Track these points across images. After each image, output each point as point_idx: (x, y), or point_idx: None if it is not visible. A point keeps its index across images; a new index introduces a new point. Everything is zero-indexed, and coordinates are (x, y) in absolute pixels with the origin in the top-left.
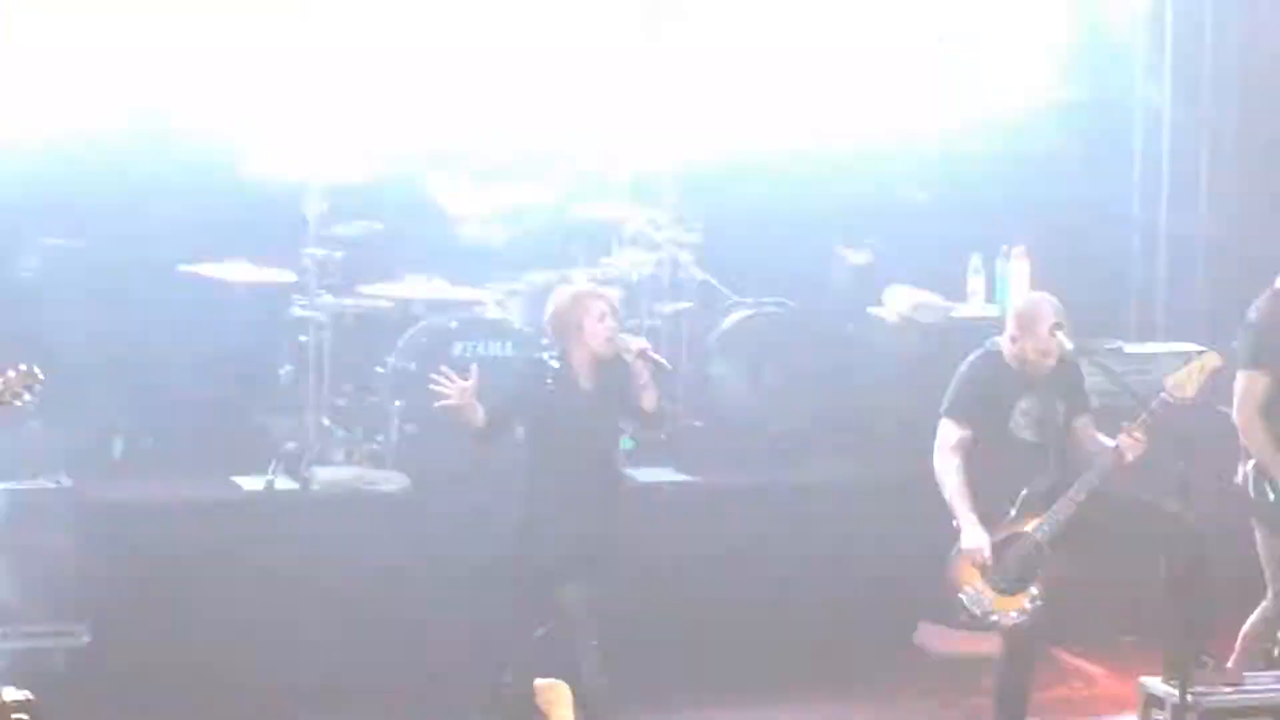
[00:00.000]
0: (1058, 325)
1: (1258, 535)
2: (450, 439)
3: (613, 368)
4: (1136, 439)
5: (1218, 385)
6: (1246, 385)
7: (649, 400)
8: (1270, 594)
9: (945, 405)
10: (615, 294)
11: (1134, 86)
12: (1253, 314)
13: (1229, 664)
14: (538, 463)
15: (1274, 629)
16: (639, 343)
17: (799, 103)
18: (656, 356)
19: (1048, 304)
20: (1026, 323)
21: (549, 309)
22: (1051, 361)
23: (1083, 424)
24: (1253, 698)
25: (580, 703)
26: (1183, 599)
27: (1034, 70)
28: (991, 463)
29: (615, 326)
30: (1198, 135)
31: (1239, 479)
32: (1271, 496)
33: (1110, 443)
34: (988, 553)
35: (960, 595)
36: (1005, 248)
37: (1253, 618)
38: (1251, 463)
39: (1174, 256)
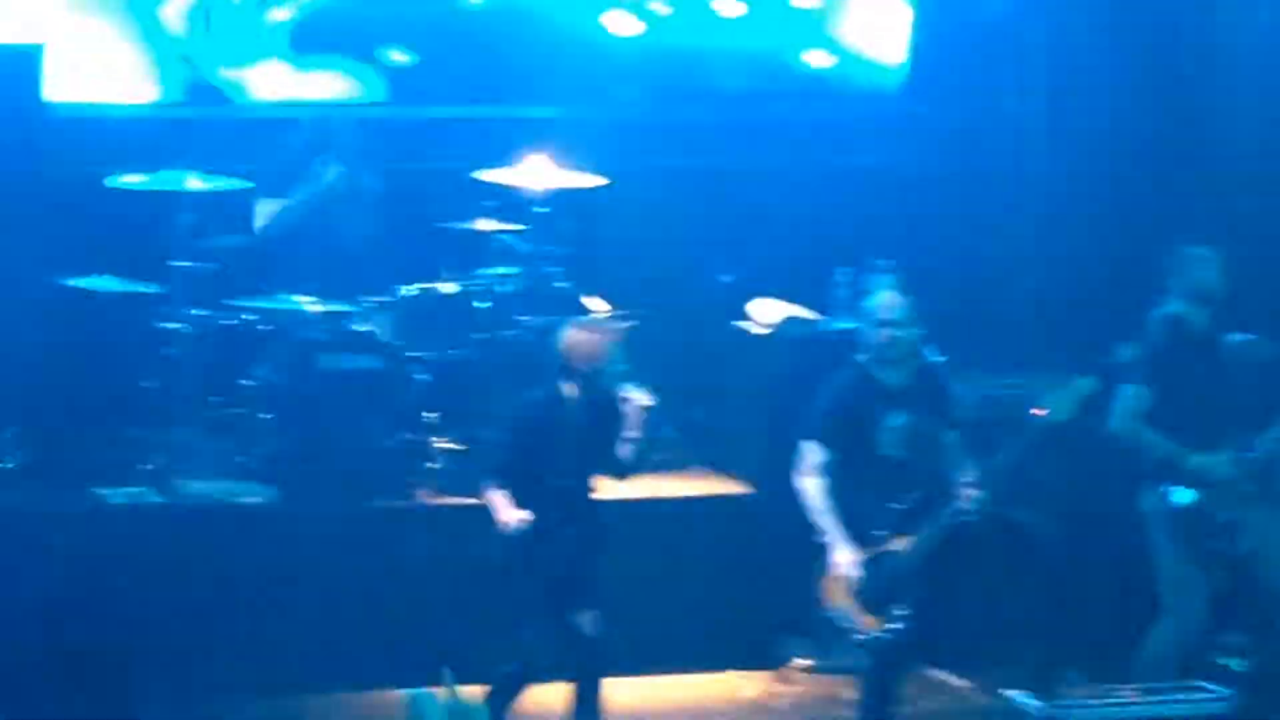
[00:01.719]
0: (921, 337)
1: (1158, 549)
2: (315, 451)
3: (602, 407)
4: (1002, 463)
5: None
6: (1132, 399)
7: (628, 452)
8: (1166, 614)
9: (808, 428)
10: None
11: (1006, 102)
12: (1143, 335)
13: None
14: (524, 489)
15: (1175, 652)
16: (641, 398)
17: (665, 119)
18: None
19: (908, 313)
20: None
21: (567, 339)
22: (912, 361)
23: (948, 440)
24: (1116, 711)
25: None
26: (1047, 613)
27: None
28: (860, 481)
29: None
30: (1073, 150)
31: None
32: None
33: (971, 464)
34: (857, 573)
35: (830, 613)
36: (873, 261)
37: (1154, 628)
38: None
39: (1048, 273)
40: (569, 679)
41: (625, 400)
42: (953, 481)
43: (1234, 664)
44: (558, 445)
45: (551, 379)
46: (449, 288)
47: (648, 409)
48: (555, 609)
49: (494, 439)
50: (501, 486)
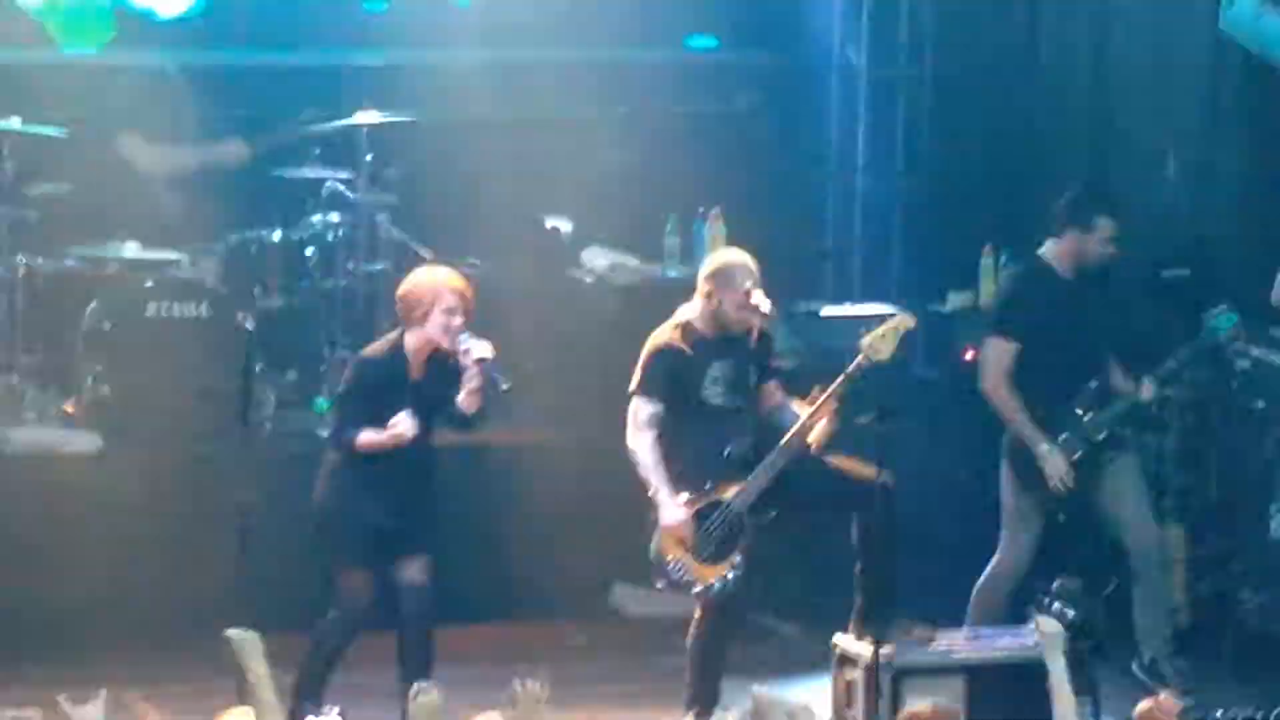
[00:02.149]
0: (755, 283)
1: (1006, 496)
2: (144, 400)
3: (445, 361)
4: (827, 407)
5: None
6: (994, 353)
7: (470, 404)
8: (1000, 551)
9: (634, 384)
10: (470, 290)
11: (832, 49)
12: (1006, 284)
13: (968, 621)
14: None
15: (1003, 585)
16: (482, 349)
17: (494, 65)
18: (495, 373)
19: (743, 260)
20: (723, 279)
21: (406, 287)
22: (750, 320)
23: (772, 387)
24: (944, 656)
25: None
26: (876, 559)
27: (732, 32)
28: (686, 432)
29: (461, 324)
30: (894, 97)
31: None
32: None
33: (800, 409)
34: (688, 527)
35: (663, 566)
36: (702, 209)
37: (983, 577)
38: (1010, 433)
39: (870, 218)
40: (398, 628)
41: (465, 351)
42: (780, 427)
43: (1063, 606)
44: (399, 397)
45: (390, 330)
46: (276, 235)
47: (487, 360)
48: (384, 558)
49: (338, 392)
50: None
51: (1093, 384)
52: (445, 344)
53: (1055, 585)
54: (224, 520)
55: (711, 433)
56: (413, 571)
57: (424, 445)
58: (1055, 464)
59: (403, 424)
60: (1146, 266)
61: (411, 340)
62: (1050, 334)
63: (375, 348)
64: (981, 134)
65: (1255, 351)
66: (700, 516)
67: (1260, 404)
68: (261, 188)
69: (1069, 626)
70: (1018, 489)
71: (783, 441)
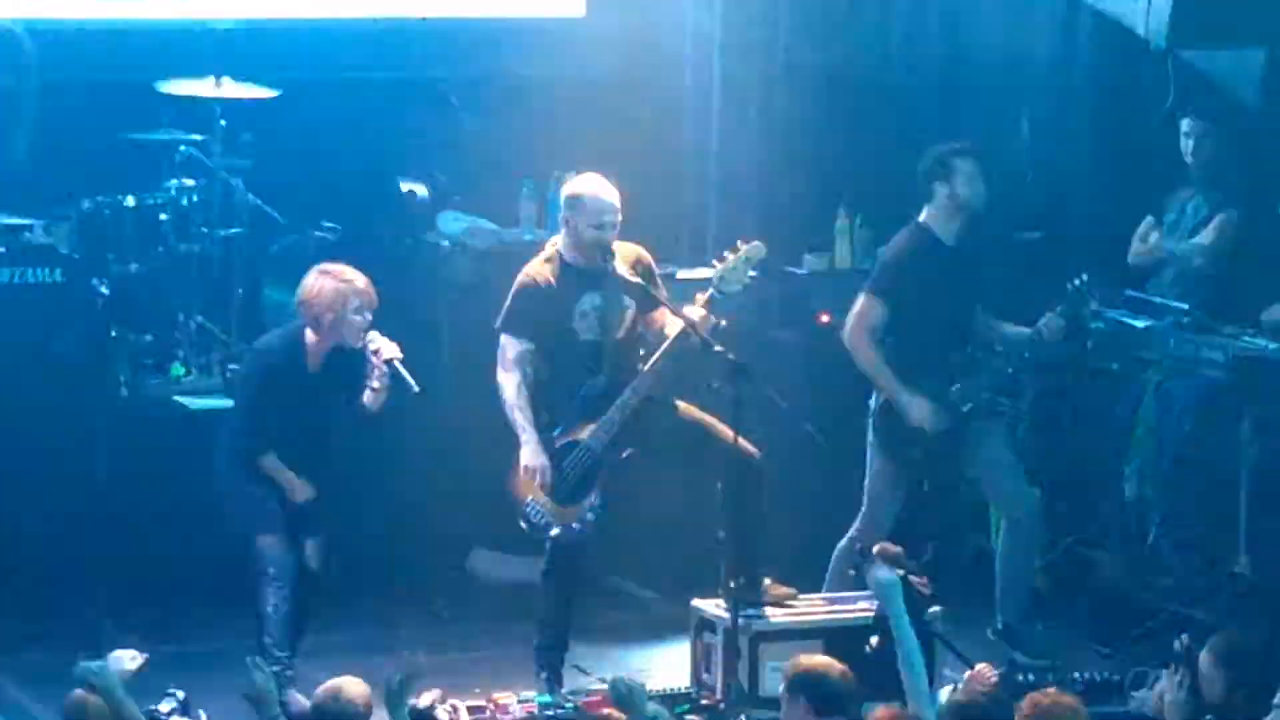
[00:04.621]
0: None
1: (871, 462)
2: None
3: (344, 355)
4: (676, 343)
5: None
6: (863, 309)
7: (375, 401)
8: (861, 517)
9: (501, 320)
10: (372, 288)
11: (686, 15)
12: (891, 247)
13: (826, 585)
14: (261, 430)
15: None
16: (391, 350)
17: (350, 28)
18: (405, 373)
19: (595, 185)
20: (575, 204)
21: (308, 287)
22: (608, 237)
23: (658, 315)
24: (803, 620)
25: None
26: (741, 527)
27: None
28: (554, 368)
29: (367, 322)
30: (747, 64)
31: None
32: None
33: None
34: (548, 469)
35: (522, 508)
36: (556, 174)
37: (842, 541)
38: (880, 396)
39: (725, 181)
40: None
41: (375, 351)
42: (640, 365)
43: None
44: (296, 391)
45: (292, 327)
46: (130, 200)
47: (395, 360)
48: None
49: (236, 384)
50: (261, 450)
51: (962, 351)
52: (355, 344)
53: (875, 550)
54: (80, 482)
55: (582, 368)
56: (306, 556)
57: (321, 437)
58: (919, 411)
59: (300, 491)
60: (1001, 228)
61: (312, 336)
62: (926, 301)
63: (271, 340)
64: (835, 98)
65: (1109, 313)
66: (558, 456)
67: (1114, 366)
68: (115, 152)
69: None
70: (882, 456)
71: (634, 382)
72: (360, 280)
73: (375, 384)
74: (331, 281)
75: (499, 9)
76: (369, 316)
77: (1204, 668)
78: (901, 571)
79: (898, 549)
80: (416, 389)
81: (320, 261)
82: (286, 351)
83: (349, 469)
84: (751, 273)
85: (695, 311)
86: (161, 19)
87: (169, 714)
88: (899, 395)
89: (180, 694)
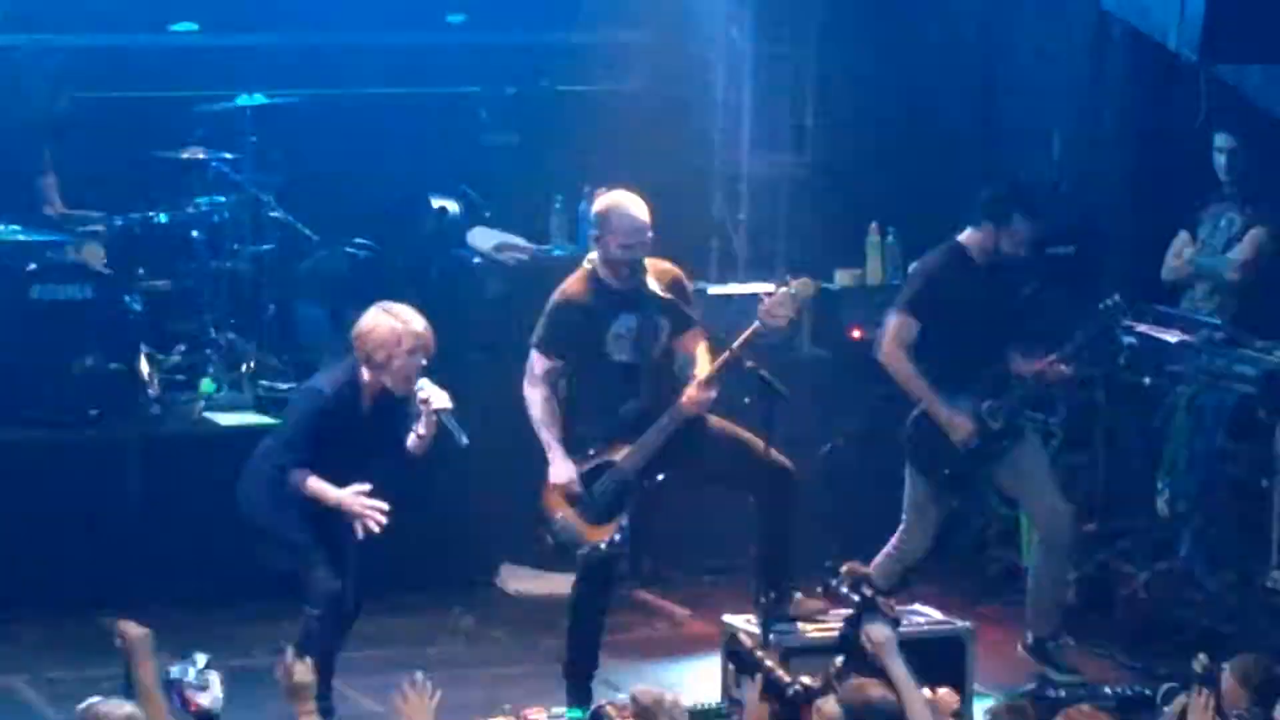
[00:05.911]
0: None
1: (908, 477)
2: (27, 381)
3: (396, 398)
4: (694, 398)
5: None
6: (896, 326)
7: (418, 447)
8: (900, 531)
9: (534, 336)
10: (430, 333)
11: (718, 31)
12: (923, 264)
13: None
14: (306, 463)
15: (896, 566)
16: (441, 400)
17: (380, 46)
18: (453, 424)
19: (625, 202)
20: (603, 222)
21: (365, 323)
22: (639, 254)
23: (690, 336)
24: (833, 634)
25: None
26: (772, 543)
27: (619, 14)
28: (587, 388)
29: (420, 366)
30: (779, 79)
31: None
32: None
33: (699, 370)
34: (576, 484)
35: (549, 522)
36: (587, 189)
37: (879, 556)
38: (919, 409)
39: (755, 197)
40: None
41: (425, 400)
42: (677, 386)
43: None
44: (348, 429)
45: (347, 363)
46: (162, 217)
47: (445, 410)
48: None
49: (292, 424)
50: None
51: (992, 371)
52: (405, 390)
53: (843, 569)
54: (111, 498)
55: (615, 389)
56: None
57: (362, 474)
58: (961, 425)
59: (347, 501)
60: (1030, 244)
61: (367, 376)
62: (958, 319)
63: (331, 381)
64: (868, 112)
65: (1141, 328)
66: (589, 477)
67: (1146, 380)
68: (146, 169)
69: (858, 607)
70: (916, 475)
71: (672, 409)
72: (418, 323)
73: (421, 430)
74: (388, 320)
75: (532, 27)
76: (423, 361)
77: (1225, 686)
78: (870, 592)
79: (866, 569)
80: (465, 441)
81: (352, 278)
82: (342, 388)
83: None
84: (799, 307)
85: (738, 341)
86: (194, 37)
87: (182, 676)
88: (939, 410)
89: (201, 659)
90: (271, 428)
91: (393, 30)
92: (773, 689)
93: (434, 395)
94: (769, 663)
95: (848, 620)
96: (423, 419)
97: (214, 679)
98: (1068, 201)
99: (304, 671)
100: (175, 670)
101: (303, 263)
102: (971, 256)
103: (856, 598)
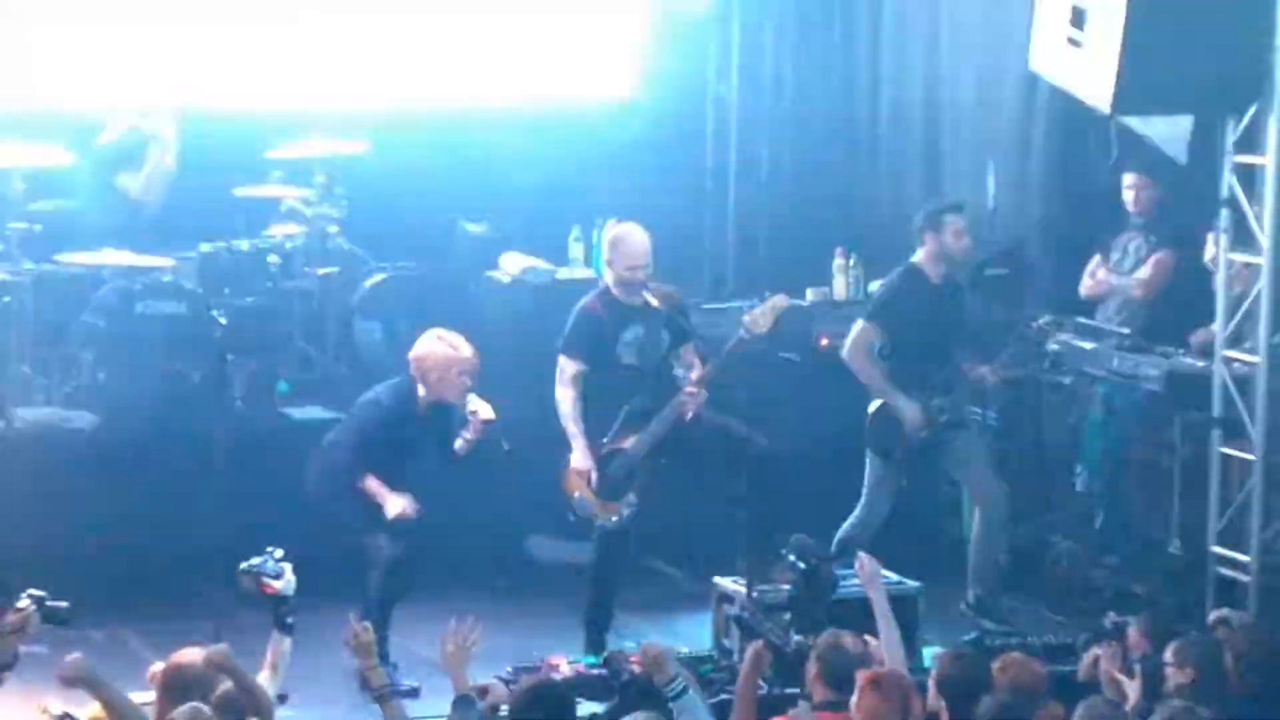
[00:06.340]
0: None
1: (868, 459)
2: (132, 383)
3: (445, 407)
4: (692, 393)
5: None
6: (860, 332)
7: (464, 449)
8: (861, 507)
9: (561, 343)
10: (475, 359)
11: (707, 83)
12: (886, 282)
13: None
14: (366, 462)
15: (860, 534)
16: (488, 413)
17: (434, 112)
18: (502, 439)
19: (629, 231)
20: (612, 248)
21: (422, 348)
22: (640, 276)
23: (687, 348)
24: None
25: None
26: (753, 509)
27: (618, 71)
28: (600, 385)
29: (468, 385)
30: (760, 125)
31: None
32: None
33: (693, 375)
34: (593, 469)
35: (570, 501)
36: (600, 220)
37: (842, 527)
38: (877, 402)
39: (741, 227)
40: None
41: (473, 412)
42: (676, 385)
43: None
44: (406, 433)
45: (403, 379)
46: (244, 244)
47: (491, 421)
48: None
49: (353, 433)
50: (367, 471)
51: (942, 373)
52: (458, 401)
53: (792, 540)
54: (203, 480)
55: (623, 387)
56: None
57: (412, 469)
58: (912, 413)
59: (395, 506)
60: (972, 266)
61: (422, 391)
62: (914, 329)
63: (390, 393)
64: (834, 155)
65: (1063, 336)
66: (603, 462)
67: (1068, 380)
68: (232, 204)
69: (802, 575)
70: (873, 458)
71: (674, 402)
72: (466, 350)
73: (468, 435)
74: (442, 347)
75: (555, 92)
76: (470, 381)
77: (1131, 638)
78: (815, 559)
79: (811, 541)
80: (507, 447)
81: (400, 296)
82: (399, 401)
83: (426, 470)
84: (775, 319)
85: (726, 348)
86: (271, 105)
87: (261, 565)
88: (895, 400)
89: (278, 552)
90: (335, 421)
91: (446, 99)
92: (772, 648)
93: (481, 408)
94: (768, 625)
95: (793, 584)
96: (470, 426)
97: (287, 568)
98: (1002, 229)
99: (365, 633)
100: (256, 561)
101: (361, 283)
102: (927, 275)
103: (802, 565)
